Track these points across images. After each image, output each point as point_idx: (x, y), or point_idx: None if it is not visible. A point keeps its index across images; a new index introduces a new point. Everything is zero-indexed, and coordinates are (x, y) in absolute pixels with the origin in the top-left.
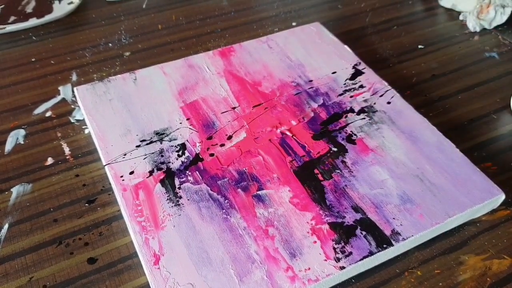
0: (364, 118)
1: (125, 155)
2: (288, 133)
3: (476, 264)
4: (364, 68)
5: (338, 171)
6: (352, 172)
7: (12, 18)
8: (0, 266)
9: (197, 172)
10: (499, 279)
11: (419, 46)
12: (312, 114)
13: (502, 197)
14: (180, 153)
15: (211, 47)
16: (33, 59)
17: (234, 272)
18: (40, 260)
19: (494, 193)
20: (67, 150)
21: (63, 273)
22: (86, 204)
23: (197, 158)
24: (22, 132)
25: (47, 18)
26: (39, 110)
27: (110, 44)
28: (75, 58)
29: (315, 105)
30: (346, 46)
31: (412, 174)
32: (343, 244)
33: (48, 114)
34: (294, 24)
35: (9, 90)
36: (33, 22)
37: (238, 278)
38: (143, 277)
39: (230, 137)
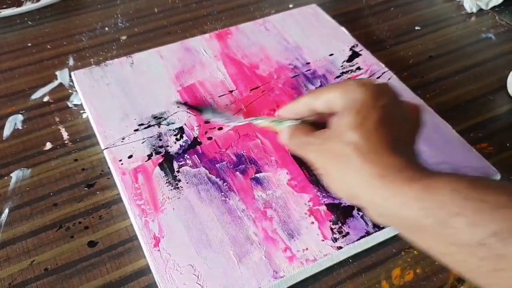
0: None
1: (123, 139)
2: None
3: None
4: (361, 50)
5: None
6: None
7: (7, 3)
8: (1, 250)
9: (195, 155)
10: None
11: (416, 28)
12: None
13: (497, 177)
14: (178, 136)
15: (208, 30)
16: (29, 44)
17: (233, 253)
18: (41, 244)
19: (490, 173)
20: (65, 135)
21: (64, 256)
22: (86, 188)
23: (195, 142)
24: (20, 117)
25: (43, 2)
26: (36, 95)
27: (107, 28)
28: (72, 42)
29: (312, 88)
30: (343, 28)
31: None
32: (340, 224)
33: (45, 99)
34: (291, 6)
35: (6, 75)
36: (28, 6)
37: (237, 258)
38: (143, 260)
39: None
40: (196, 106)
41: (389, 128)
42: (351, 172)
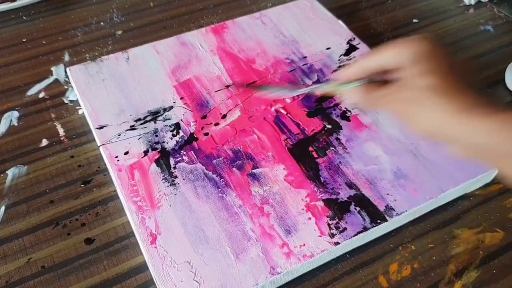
0: None
1: (119, 135)
2: (282, 111)
3: (469, 238)
4: (359, 43)
5: (333, 148)
6: (346, 149)
7: None
8: None
9: (192, 151)
10: (491, 251)
11: (414, 20)
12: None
13: (495, 171)
14: (174, 132)
15: (204, 24)
16: (24, 40)
17: (231, 250)
18: (38, 242)
19: (487, 167)
20: (61, 131)
21: (60, 253)
22: (82, 185)
23: (191, 138)
24: (15, 114)
25: None
26: (32, 91)
27: (102, 23)
28: (67, 38)
29: (309, 82)
30: (340, 21)
31: (406, 149)
32: (337, 220)
33: (41, 95)
34: None
35: (1, 71)
36: (23, 1)
37: (234, 255)
38: (140, 256)
39: (224, 116)
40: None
41: (460, 72)
42: (436, 112)
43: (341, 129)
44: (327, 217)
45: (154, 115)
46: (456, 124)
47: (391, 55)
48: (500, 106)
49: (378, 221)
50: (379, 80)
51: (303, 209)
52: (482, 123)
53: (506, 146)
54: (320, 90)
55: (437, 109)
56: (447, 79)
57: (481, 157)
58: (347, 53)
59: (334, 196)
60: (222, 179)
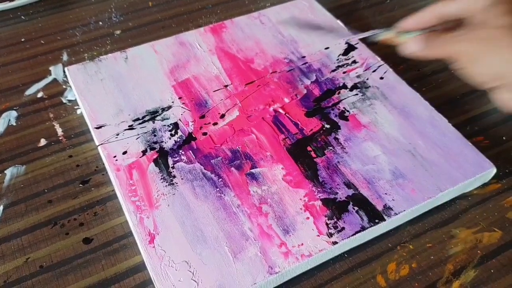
0: (357, 94)
1: (117, 135)
2: (281, 110)
3: (467, 237)
4: (357, 43)
5: (331, 148)
6: (345, 148)
7: None
8: None
9: (190, 151)
10: (489, 251)
11: None
12: (305, 91)
13: (493, 171)
14: (173, 132)
15: (203, 23)
16: (22, 39)
17: (229, 249)
18: (36, 241)
19: (485, 167)
20: (59, 131)
21: (59, 253)
22: (80, 185)
23: (190, 137)
24: (14, 113)
25: None
26: (30, 91)
27: (101, 23)
28: (66, 37)
29: (308, 82)
30: (339, 21)
31: (404, 149)
32: (335, 219)
33: (39, 95)
34: None
35: None
36: (22, 0)
37: (232, 255)
38: (138, 256)
39: (223, 116)
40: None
41: None
42: (506, 51)
43: (340, 128)
44: (325, 216)
45: (153, 114)
46: None
47: (460, 4)
48: None
49: (376, 220)
50: (444, 28)
51: (301, 209)
52: None
53: None
54: (381, 37)
55: (509, 48)
56: None
57: None
58: (346, 52)
59: (332, 196)
60: (220, 179)
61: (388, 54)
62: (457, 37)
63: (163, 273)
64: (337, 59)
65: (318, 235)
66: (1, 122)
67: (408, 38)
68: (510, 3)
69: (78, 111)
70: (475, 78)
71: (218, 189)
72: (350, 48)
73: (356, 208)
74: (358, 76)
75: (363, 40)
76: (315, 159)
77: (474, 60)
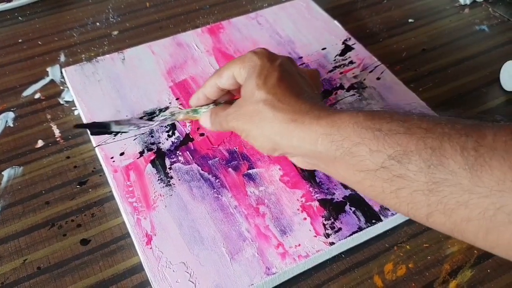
0: (354, 95)
1: (115, 136)
2: None
3: None
4: (354, 43)
5: None
6: None
7: None
8: None
9: (187, 152)
10: (485, 251)
11: (409, 20)
12: None
13: None
14: (170, 133)
15: (200, 24)
16: (20, 40)
17: (226, 250)
18: (34, 243)
19: None
20: (57, 132)
21: (56, 254)
22: (78, 186)
23: (187, 138)
24: (11, 114)
25: None
26: (27, 92)
27: (98, 24)
28: (63, 38)
29: None
30: (336, 21)
31: None
32: (332, 220)
33: (37, 96)
34: None
35: None
36: (19, 1)
37: (229, 255)
38: (136, 257)
39: None
40: (98, 124)
41: (290, 81)
42: (267, 124)
43: None
44: (322, 217)
45: (150, 115)
46: (287, 134)
47: (228, 75)
48: (331, 110)
49: (373, 221)
50: (225, 100)
51: (298, 209)
52: (309, 132)
53: (331, 154)
54: (174, 118)
55: (269, 121)
56: (276, 92)
57: (316, 164)
58: (343, 53)
59: (329, 196)
60: (217, 180)
61: (385, 54)
62: (231, 114)
63: (160, 274)
64: (334, 60)
65: (315, 236)
66: None
67: (201, 114)
68: (259, 77)
69: (76, 112)
70: (259, 150)
71: (215, 190)
72: (347, 48)
73: (353, 208)
74: (355, 77)
75: (163, 122)
76: None
77: (249, 136)
